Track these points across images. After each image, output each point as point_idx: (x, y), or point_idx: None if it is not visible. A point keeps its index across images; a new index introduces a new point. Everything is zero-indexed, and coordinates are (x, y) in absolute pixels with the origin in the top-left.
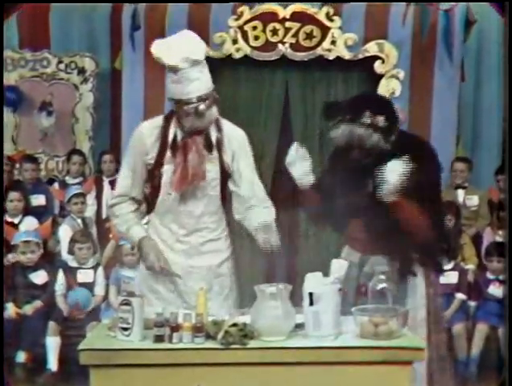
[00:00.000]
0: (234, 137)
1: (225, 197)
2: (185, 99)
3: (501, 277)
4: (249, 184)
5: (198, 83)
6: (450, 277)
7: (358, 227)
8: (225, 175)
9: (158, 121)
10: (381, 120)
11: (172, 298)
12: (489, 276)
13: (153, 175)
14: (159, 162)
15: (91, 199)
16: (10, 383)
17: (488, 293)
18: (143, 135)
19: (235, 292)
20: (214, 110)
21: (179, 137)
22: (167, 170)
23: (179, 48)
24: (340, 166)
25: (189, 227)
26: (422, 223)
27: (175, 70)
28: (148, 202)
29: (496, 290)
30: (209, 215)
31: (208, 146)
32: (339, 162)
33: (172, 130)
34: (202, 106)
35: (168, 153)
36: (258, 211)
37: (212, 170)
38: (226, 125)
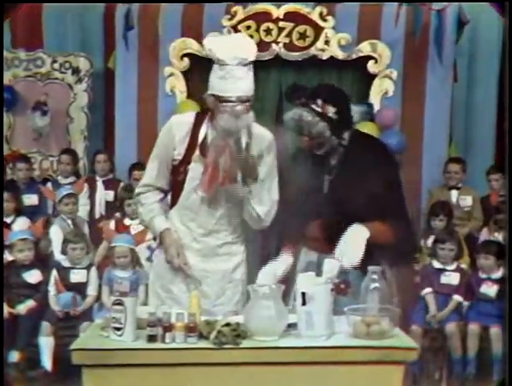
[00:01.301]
0: (262, 141)
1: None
2: (225, 96)
3: (493, 277)
4: (266, 189)
5: (241, 83)
6: (451, 278)
7: (316, 227)
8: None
9: (190, 116)
10: (331, 110)
11: (184, 299)
12: (482, 275)
13: (178, 171)
14: (186, 159)
15: (83, 199)
16: (3, 382)
17: (480, 292)
18: (172, 129)
19: (245, 297)
20: (251, 114)
21: (209, 137)
22: (194, 168)
23: (231, 45)
24: (300, 165)
25: (208, 227)
26: (387, 238)
27: (222, 65)
28: (171, 196)
29: (488, 290)
30: (229, 218)
31: (238, 151)
32: (299, 161)
33: (204, 128)
34: (239, 107)
35: (197, 152)
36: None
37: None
38: (256, 128)
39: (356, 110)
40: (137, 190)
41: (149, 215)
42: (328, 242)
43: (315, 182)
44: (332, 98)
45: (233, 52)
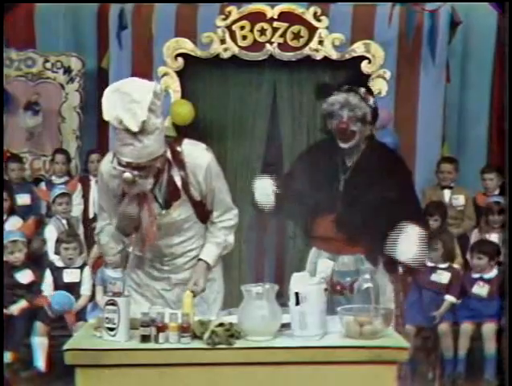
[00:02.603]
0: (198, 170)
1: (207, 217)
2: (117, 157)
3: (485, 277)
4: (216, 202)
5: (130, 149)
6: (442, 277)
7: (327, 227)
8: (200, 204)
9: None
10: (371, 100)
11: (160, 303)
12: (474, 275)
13: None
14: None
15: (77, 198)
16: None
17: (472, 292)
18: (104, 178)
19: (222, 294)
20: (149, 181)
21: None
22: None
23: (120, 105)
24: (312, 164)
25: (172, 256)
26: None
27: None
28: None
29: (480, 289)
30: (191, 239)
31: (175, 194)
32: (312, 159)
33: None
34: (127, 174)
35: (134, 203)
36: (208, 246)
37: (184, 212)
38: (189, 156)
39: None
40: (96, 231)
41: (104, 241)
42: (341, 241)
43: (331, 179)
44: (371, 90)
45: (117, 115)
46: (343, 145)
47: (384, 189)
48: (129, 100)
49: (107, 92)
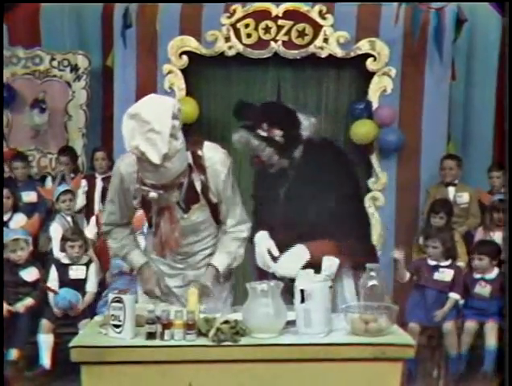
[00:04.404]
0: (217, 175)
1: (220, 217)
2: (142, 178)
3: (486, 277)
4: (231, 210)
5: (152, 175)
6: (444, 275)
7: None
8: (216, 208)
9: (135, 165)
10: (277, 134)
11: (172, 301)
12: (476, 275)
13: (144, 211)
14: (147, 206)
15: (82, 195)
16: (3, 382)
17: (474, 292)
18: (124, 179)
19: (233, 292)
20: (175, 194)
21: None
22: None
23: (139, 133)
24: (258, 175)
25: (187, 254)
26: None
27: None
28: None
29: (482, 290)
30: (205, 239)
31: (194, 198)
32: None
33: None
34: (152, 194)
35: (155, 207)
36: (219, 254)
37: (202, 215)
38: (210, 160)
39: (306, 125)
40: (104, 229)
41: (122, 250)
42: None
43: (272, 191)
44: (277, 120)
45: (138, 148)
46: (270, 170)
47: (323, 197)
48: (148, 129)
49: (125, 117)
